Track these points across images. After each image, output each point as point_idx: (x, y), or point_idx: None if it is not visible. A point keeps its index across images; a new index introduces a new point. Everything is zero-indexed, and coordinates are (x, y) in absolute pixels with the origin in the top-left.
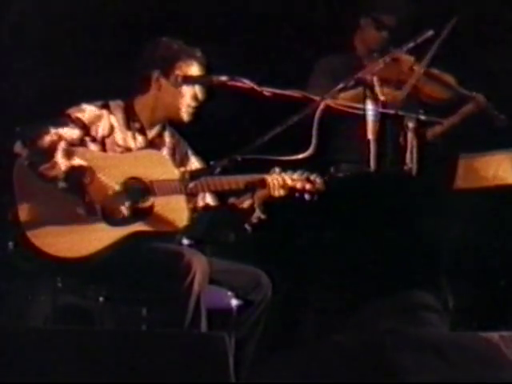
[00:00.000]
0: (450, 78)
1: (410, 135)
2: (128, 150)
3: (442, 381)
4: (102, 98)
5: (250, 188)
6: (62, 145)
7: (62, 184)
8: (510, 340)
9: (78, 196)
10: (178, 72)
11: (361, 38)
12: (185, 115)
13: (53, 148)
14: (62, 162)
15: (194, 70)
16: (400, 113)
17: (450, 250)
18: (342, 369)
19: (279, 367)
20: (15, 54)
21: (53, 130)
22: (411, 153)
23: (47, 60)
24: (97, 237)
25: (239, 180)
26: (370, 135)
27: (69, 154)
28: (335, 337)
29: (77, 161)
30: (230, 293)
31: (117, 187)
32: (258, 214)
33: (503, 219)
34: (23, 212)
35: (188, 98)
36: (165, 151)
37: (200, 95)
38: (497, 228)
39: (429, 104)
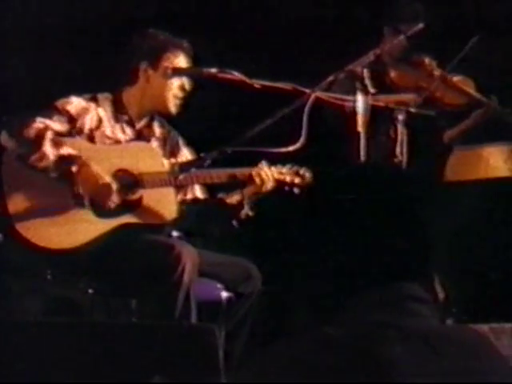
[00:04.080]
0: (467, 83)
1: (399, 128)
2: (117, 142)
3: (431, 372)
4: (92, 90)
5: (238, 182)
6: (49, 134)
7: (53, 174)
8: (499, 332)
9: (68, 186)
10: (165, 63)
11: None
12: (172, 107)
13: (40, 138)
14: (50, 151)
15: (182, 60)
16: (389, 105)
17: (440, 242)
18: (331, 360)
19: (268, 360)
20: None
21: (40, 120)
22: (401, 145)
23: (37, 52)
24: (85, 228)
25: (228, 173)
26: (360, 128)
27: (57, 144)
28: (325, 329)
29: (65, 150)
30: (219, 285)
31: (106, 177)
32: (246, 210)
33: (494, 212)
34: (12, 204)
35: (175, 89)
36: (155, 142)
37: (187, 86)
38: (487, 220)
39: (445, 110)
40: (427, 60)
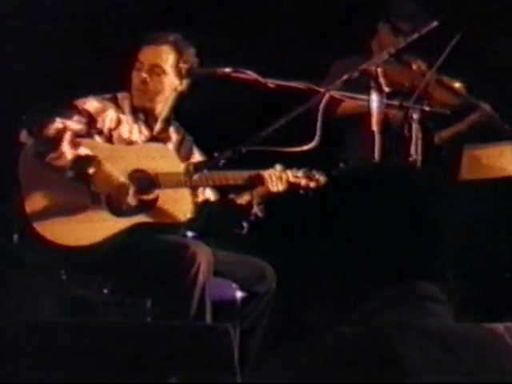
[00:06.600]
0: (459, 85)
1: (414, 127)
2: (134, 142)
3: (447, 371)
4: (111, 90)
5: (249, 184)
6: (68, 135)
7: (69, 173)
8: None
9: (84, 185)
10: (140, 59)
11: (378, 42)
12: (135, 97)
13: (59, 137)
14: (68, 151)
15: (147, 53)
16: (404, 104)
17: (455, 241)
18: (346, 360)
19: (283, 359)
20: (20, 44)
21: (59, 120)
22: (416, 144)
23: (54, 50)
24: (101, 226)
25: (243, 175)
26: (375, 127)
27: (75, 144)
28: (339, 328)
29: (83, 150)
30: (234, 284)
31: (122, 178)
32: (255, 210)
33: (508, 210)
34: (29, 202)
35: (136, 80)
36: (170, 146)
37: (147, 78)
38: (502, 219)
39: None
40: (419, 61)
